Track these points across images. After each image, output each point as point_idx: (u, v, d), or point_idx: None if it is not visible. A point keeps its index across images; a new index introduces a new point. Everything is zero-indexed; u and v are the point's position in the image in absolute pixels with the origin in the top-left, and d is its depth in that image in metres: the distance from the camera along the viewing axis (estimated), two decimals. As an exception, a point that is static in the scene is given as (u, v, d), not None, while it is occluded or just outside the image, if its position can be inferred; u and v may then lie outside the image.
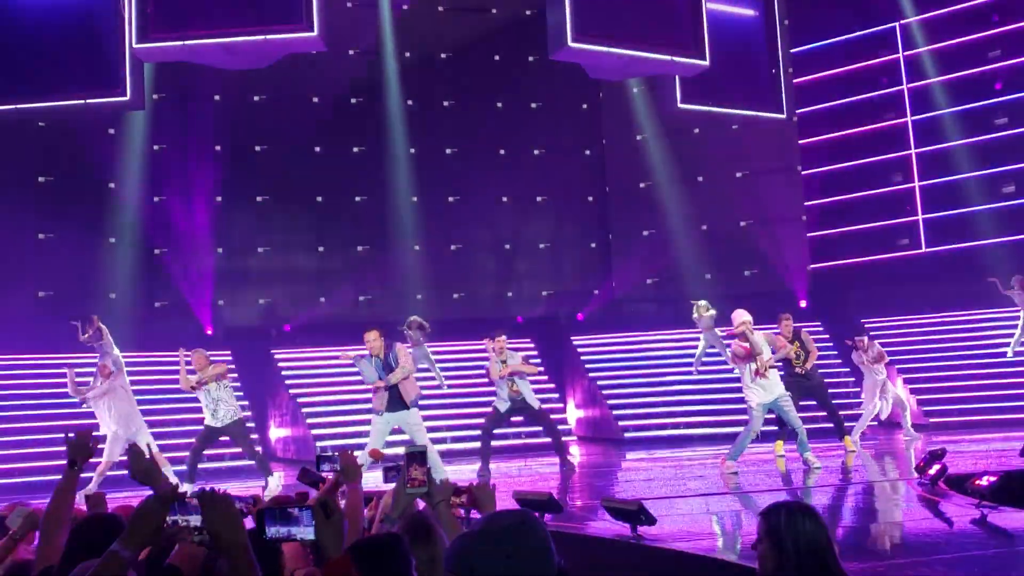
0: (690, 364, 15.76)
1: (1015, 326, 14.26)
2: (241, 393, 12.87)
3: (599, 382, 15.63)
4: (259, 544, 3.27)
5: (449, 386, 14.45)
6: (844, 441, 11.48)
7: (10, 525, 4.11)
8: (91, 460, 10.06)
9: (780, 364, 10.95)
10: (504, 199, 18.68)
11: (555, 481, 10.47)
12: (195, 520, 2.52)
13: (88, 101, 12.33)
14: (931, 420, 14.19)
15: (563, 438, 11.80)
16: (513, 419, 11.70)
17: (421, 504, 3.82)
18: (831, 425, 11.75)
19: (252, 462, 10.92)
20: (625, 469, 12.09)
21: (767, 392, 10.16)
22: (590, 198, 19.10)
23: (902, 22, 17.67)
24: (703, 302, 15.22)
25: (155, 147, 16.46)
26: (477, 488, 3.63)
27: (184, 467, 10.69)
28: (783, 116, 15.90)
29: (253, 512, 4.15)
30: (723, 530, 7.15)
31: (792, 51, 17.25)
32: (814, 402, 11.85)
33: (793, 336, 11.53)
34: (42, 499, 9.26)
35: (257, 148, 17.32)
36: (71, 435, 3.50)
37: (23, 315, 15.11)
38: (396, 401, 9.75)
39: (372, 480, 6.18)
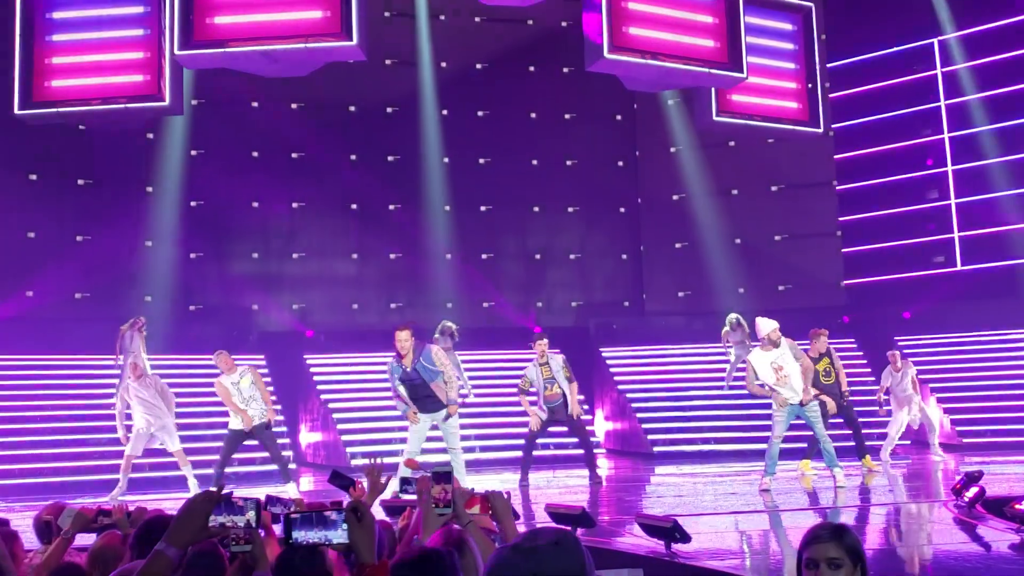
0: (720, 379, 15.71)
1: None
2: (275, 397, 12.93)
3: (628, 395, 15.58)
4: (305, 550, 3.30)
5: (476, 395, 14.48)
6: (864, 461, 11.42)
7: (61, 525, 4.19)
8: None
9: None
10: (536, 209, 18.71)
11: (584, 494, 10.44)
12: (240, 521, 2.53)
13: (128, 106, 12.51)
14: (964, 440, 14.02)
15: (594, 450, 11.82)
16: (549, 429, 11.66)
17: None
18: (852, 444, 11.71)
19: (275, 466, 10.91)
20: (655, 484, 12.04)
21: (794, 394, 9.92)
22: (622, 209, 19.08)
23: (941, 38, 17.53)
24: (733, 316, 15.22)
25: (193, 152, 16.65)
26: (492, 496, 3.61)
27: (212, 471, 10.77)
28: (819, 130, 15.82)
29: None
30: (757, 549, 7.10)
31: (829, 65, 17.16)
32: (841, 420, 11.74)
33: (821, 354, 11.42)
34: (77, 498, 9.37)
35: (294, 155, 17.46)
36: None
37: (61, 316, 15.32)
38: (433, 401, 9.72)
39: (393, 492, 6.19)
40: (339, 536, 2.57)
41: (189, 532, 2.42)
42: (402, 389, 9.74)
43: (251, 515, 2.56)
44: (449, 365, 9.96)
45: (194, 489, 10.75)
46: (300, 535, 2.59)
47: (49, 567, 4.04)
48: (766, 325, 10.06)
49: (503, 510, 3.49)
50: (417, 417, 9.68)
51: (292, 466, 12.97)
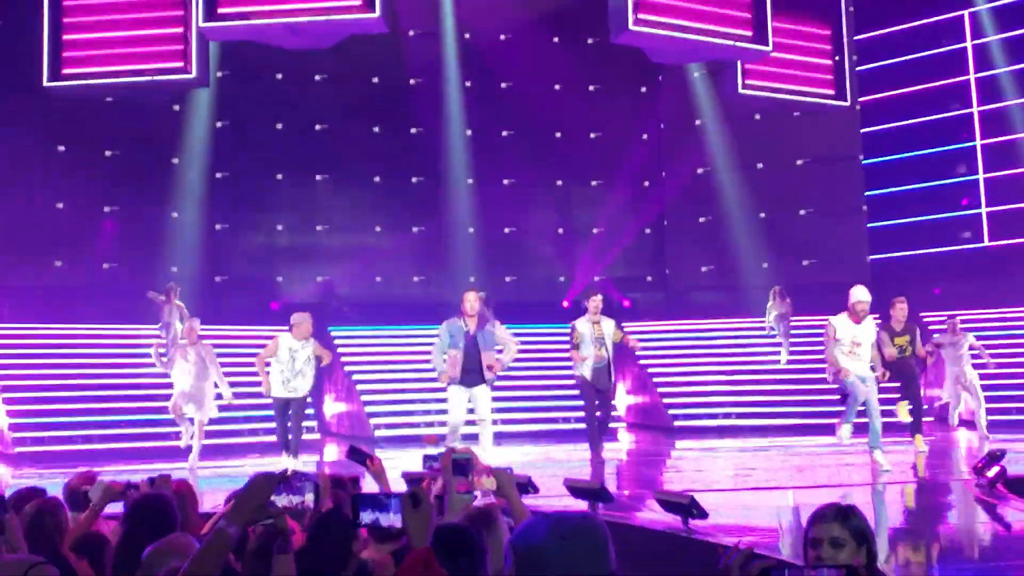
0: (743, 353, 15.74)
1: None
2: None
3: (649, 369, 15.60)
4: (335, 521, 3.39)
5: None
6: (915, 440, 10.68)
7: (91, 497, 4.29)
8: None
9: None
10: (559, 183, 18.68)
11: (602, 469, 10.48)
12: (297, 500, 2.57)
13: (155, 78, 12.60)
14: (990, 418, 13.93)
15: (611, 425, 11.67)
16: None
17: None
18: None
19: (288, 435, 10.42)
20: (674, 458, 12.08)
21: (858, 367, 9.36)
22: (646, 183, 19.00)
23: (971, 10, 17.24)
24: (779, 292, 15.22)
25: (218, 124, 16.74)
26: (497, 472, 3.64)
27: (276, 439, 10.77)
28: (846, 104, 15.66)
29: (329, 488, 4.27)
30: (775, 526, 7.13)
31: (856, 38, 16.94)
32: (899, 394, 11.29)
33: (905, 329, 10.69)
34: (105, 466, 9.50)
35: (317, 127, 17.51)
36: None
37: (89, 287, 15.53)
38: (475, 374, 9.63)
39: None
40: (394, 520, 2.57)
41: (250, 511, 2.46)
42: (453, 353, 9.57)
43: (310, 496, 2.59)
44: (510, 337, 10.07)
45: (193, 460, 10.62)
46: (364, 516, 2.62)
47: (77, 535, 4.16)
48: (854, 295, 9.49)
49: (507, 486, 3.54)
50: (447, 377, 9.67)
51: (315, 436, 13.16)
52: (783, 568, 1.95)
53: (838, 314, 9.55)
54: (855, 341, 9.36)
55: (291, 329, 10.32)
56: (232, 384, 12.97)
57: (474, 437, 9.77)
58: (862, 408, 9.41)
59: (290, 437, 10.34)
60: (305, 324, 10.31)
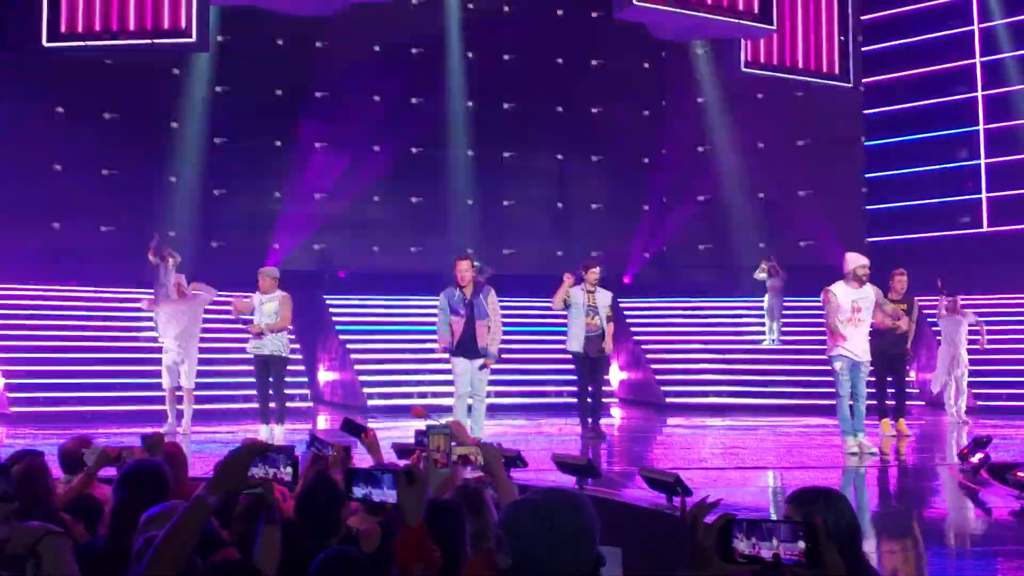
0: (737, 332, 15.78)
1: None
2: (294, 336, 13.07)
3: (643, 346, 15.66)
4: (324, 490, 3.43)
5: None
6: (898, 424, 10.70)
7: (87, 462, 4.35)
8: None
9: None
10: (559, 157, 18.62)
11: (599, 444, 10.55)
12: (272, 472, 2.57)
13: (155, 41, 12.56)
14: (978, 403, 14.01)
15: (604, 399, 11.61)
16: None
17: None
18: (891, 403, 10.84)
19: (268, 403, 10.29)
20: (664, 435, 12.15)
21: (851, 352, 8.99)
22: (646, 160, 18.94)
23: (979, -8, 17.14)
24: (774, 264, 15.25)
25: (218, 89, 16.64)
26: (483, 448, 3.65)
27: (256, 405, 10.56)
28: (850, 85, 15.64)
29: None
30: (754, 505, 7.20)
31: (862, 18, 16.87)
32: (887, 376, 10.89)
33: (903, 299, 10.65)
34: (99, 428, 9.54)
35: (317, 95, 17.41)
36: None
37: (85, 248, 15.53)
38: (472, 345, 9.50)
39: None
40: (387, 496, 2.57)
41: (230, 482, 2.49)
42: (455, 320, 9.45)
43: (287, 469, 2.59)
44: (499, 316, 9.78)
45: (176, 426, 10.58)
46: (357, 491, 2.63)
47: (72, 498, 4.22)
48: (853, 260, 9.19)
49: (494, 462, 3.56)
50: (442, 346, 9.60)
51: (307, 404, 13.22)
52: (743, 520, 2.01)
53: (833, 283, 9.21)
54: (856, 307, 9.01)
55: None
56: (223, 350, 13.07)
57: (467, 410, 9.78)
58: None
59: (273, 405, 10.24)
60: (265, 276, 10.42)
